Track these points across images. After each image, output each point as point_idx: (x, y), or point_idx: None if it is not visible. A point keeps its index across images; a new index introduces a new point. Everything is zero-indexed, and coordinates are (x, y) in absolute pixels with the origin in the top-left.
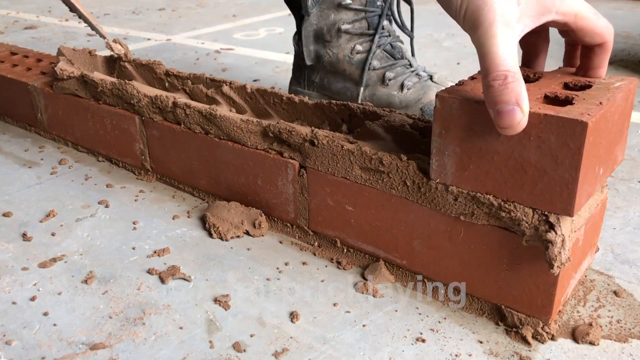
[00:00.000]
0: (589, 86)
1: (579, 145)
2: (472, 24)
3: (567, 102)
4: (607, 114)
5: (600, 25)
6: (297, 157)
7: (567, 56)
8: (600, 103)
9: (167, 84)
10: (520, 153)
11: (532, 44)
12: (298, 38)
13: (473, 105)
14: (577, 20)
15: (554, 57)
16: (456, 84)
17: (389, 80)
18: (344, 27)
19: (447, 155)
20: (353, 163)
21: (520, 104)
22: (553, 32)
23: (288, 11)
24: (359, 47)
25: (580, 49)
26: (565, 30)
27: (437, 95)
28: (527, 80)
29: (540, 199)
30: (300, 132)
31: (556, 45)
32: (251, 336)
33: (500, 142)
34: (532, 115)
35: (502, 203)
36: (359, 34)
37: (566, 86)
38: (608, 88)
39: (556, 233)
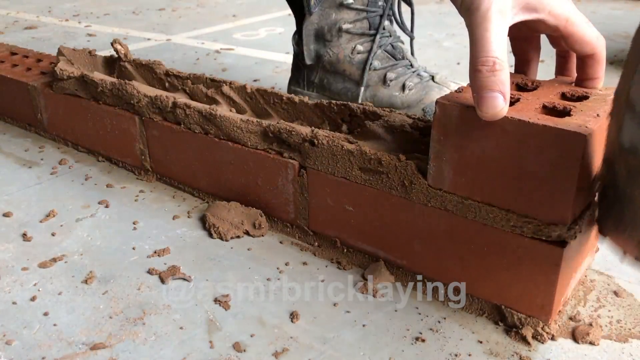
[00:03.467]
0: (586, 97)
1: (577, 156)
2: (469, 8)
3: (565, 113)
4: (604, 126)
5: (591, 34)
6: (297, 157)
7: (558, 68)
8: (598, 115)
9: (167, 84)
10: (518, 162)
11: (524, 51)
12: (298, 37)
13: (472, 113)
14: (567, 26)
15: (554, 57)
16: (455, 91)
17: (390, 80)
18: (345, 26)
19: (445, 162)
20: (353, 163)
21: (504, 93)
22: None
23: (288, 11)
24: (359, 47)
25: (571, 61)
26: (556, 37)
27: (436, 102)
28: (525, 89)
29: (537, 208)
30: (300, 132)
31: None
32: (251, 336)
33: (498, 151)
34: (530, 125)
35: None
36: (360, 34)
37: (564, 96)
38: (605, 99)
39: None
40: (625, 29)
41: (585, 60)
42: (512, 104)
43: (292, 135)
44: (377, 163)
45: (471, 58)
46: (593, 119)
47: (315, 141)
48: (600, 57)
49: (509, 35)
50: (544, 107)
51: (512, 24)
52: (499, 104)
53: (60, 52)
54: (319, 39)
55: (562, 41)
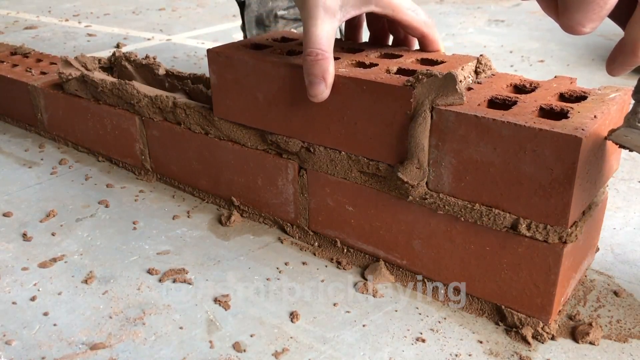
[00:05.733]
0: (584, 97)
1: (574, 159)
2: (301, 5)
3: (563, 114)
4: (602, 127)
5: (418, 20)
6: (296, 160)
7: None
8: (595, 117)
9: (167, 84)
10: (515, 166)
11: (375, 29)
12: (242, 24)
13: (469, 118)
14: (395, 14)
15: (553, 57)
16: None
17: None
18: (280, 12)
19: (443, 167)
20: (352, 167)
21: (325, 79)
22: (552, 36)
23: None
24: (293, 31)
25: (407, 41)
26: (393, 23)
27: (433, 108)
28: (523, 90)
29: (535, 211)
30: (296, 142)
31: (557, 45)
32: (251, 336)
33: (496, 155)
34: (526, 129)
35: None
36: (294, 19)
37: (562, 97)
38: (603, 100)
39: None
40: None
41: (421, 41)
42: (509, 107)
43: (289, 145)
44: (376, 168)
45: (303, 49)
46: (590, 120)
47: (312, 149)
48: (431, 39)
49: (367, 17)
50: (541, 109)
51: (349, 18)
52: (320, 88)
53: (63, 58)
54: (260, 25)
55: (398, 26)
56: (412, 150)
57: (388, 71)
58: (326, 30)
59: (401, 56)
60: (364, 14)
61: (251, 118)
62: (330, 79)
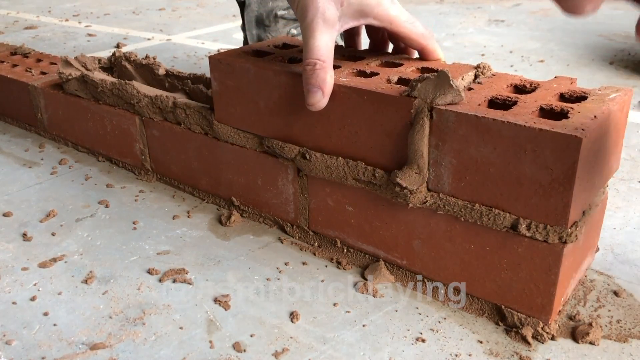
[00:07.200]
0: (584, 97)
1: (574, 159)
2: (300, 16)
3: (563, 115)
4: (602, 128)
5: (416, 32)
6: (292, 165)
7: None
8: (595, 117)
9: (167, 84)
10: (515, 166)
11: (375, 37)
12: (242, 24)
13: (469, 118)
14: (392, 27)
15: (554, 57)
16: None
17: None
18: (280, 12)
19: (443, 167)
20: (347, 174)
21: (322, 88)
22: (552, 36)
23: None
24: (293, 31)
25: (407, 51)
26: (392, 35)
27: (433, 108)
28: (523, 90)
29: (535, 211)
30: (292, 148)
31: (557, 45)
32: (251, 336)
33: (496, 155)
34: (526, 129)
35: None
36: (294, 19)
37: (562, 97)
38: (603, 100)
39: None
40: (625, 29)
41: (420, 52)
42: (509, 107)
43: (285, 151)
44: (371, 175)
45: (303, 59)
46: (590, 120)
47: (307, 155)
48: (430, 49)
49: (366, 27)
50: (541, 109)
51: (347, 28)
52: (317, 97)
53: (63, 58)
54: (260, 25)
55: (395, 37)
56: (411, 156)
57: (389, 81)
58: (325, 41)
59: (401, 65)
60: (383, 32)
61: (252, 124)
62: (327, 88)
